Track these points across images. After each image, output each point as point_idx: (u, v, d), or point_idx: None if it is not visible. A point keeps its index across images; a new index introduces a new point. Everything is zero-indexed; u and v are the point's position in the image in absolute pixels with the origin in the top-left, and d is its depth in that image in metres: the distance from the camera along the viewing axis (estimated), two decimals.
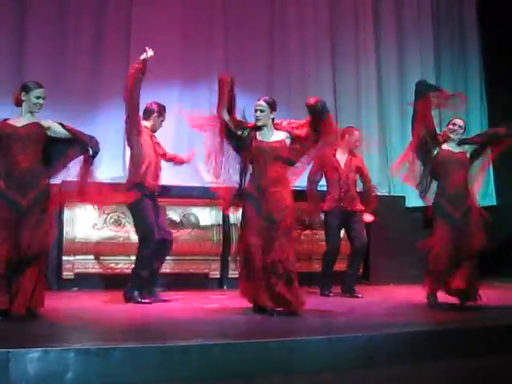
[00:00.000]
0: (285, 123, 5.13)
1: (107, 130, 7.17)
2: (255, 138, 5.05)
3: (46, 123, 4.69)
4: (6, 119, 4.65)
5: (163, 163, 6.50)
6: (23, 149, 4.52)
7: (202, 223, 6.97)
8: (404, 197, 8.25)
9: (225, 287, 6.93)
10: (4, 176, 4.50)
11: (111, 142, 7.01)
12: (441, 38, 9.28)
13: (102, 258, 6.66)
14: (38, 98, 4.64)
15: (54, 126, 4.71)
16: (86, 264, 6.62)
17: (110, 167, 6.93)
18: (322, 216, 6.70)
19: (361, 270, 7.61)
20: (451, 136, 5.61)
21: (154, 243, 5.59)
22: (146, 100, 7.46)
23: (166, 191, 6.90)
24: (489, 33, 9.11)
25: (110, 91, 7.41)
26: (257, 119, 5.06)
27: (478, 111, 9.21)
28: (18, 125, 4.59)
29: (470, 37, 9.36)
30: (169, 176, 7.31)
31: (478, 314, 5.14)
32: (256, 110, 5.05)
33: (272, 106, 5.09)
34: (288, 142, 5.04)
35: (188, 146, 7.69)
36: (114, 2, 7.64)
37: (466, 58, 9.36)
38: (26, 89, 4.67)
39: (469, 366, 3.93)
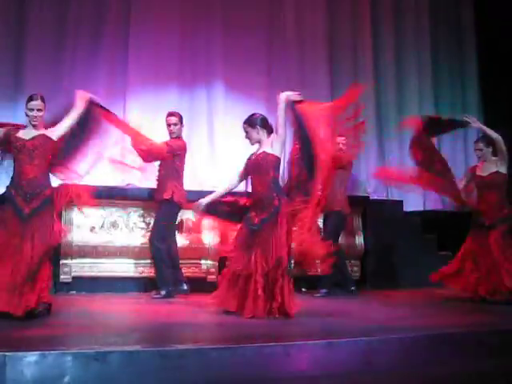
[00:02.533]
0: None
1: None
2: None
3: (51, 132, 4.85)
4: (17, 127, 4.87)
5: None
6: (30, 160, 4.74)
7: (199, 227, 6.94)
8: (402, 201, 8.26)
9: None
10: (14, 184, 4.76)
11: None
12: (439, 41, 9.30)
13: (99, 261, 6.65)
14: (31, 110, 4.79)
15: (58, 128, 4.89)
16: (84, 267, 6.60)
17: (109, 172, 6.92)
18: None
19: (358, 274, 7.62)
20: None
21: None
22: (146, 105, 7.52)
23: None
24: (486, 47, 9.11)
25: (108, 94, 7.40)
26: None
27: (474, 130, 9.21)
28: (27, 137, 4.78)
29: (468, 44, 9.38)
30: None
31: (477, 318, 5.14)
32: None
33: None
34: None
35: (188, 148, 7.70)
36: (113, 5, 7.63)
37: (463, 69, 9.36)
38: (27, 101, 4.86)
39: (468, 371, 3.93)
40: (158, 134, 7.49)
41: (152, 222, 6.84)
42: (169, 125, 6.37)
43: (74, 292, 6.52)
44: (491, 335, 4.40)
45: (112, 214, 6.71)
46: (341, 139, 6.67)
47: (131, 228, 6.78)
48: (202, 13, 7.91)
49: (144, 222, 6.84)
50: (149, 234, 6.82)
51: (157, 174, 6.34)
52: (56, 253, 6.48)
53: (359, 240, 7.60)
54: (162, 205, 6.28)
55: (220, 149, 7.72)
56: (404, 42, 9.02)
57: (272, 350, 3.73)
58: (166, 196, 6.22)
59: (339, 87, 8.59)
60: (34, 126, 4.81)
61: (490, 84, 8.99)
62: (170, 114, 6.45)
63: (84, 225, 6.61)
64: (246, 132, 5.19)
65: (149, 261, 6.76)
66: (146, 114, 7.47)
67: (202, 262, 6.93)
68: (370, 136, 8.59)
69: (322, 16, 8.56)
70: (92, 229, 6.64)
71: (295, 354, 3.74)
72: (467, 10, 9.39)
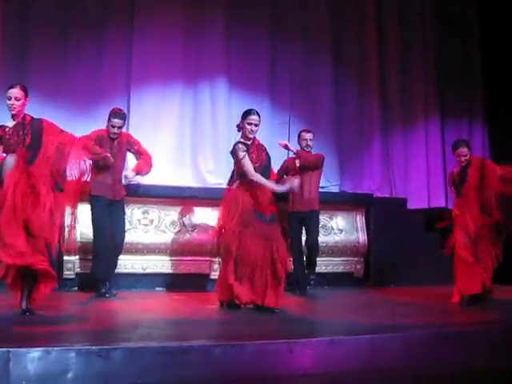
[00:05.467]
0: None
1: None
2: None
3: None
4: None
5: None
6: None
7: (203, 223, 6.95)
8: (406, 199, 8.25)
9: None
10: None
11: None
12: (444, 38, 9.26)
13: None
14: (9, 98, 4.65)
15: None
16: (87, 264, 6.60)
17: None
18: None
19: (361, 272, 7.63)
20: None
21: None
22: (149, 101, 7.53)
23: (168, 191, 6.93)
24: (491, 44, 9.06)
25: (112, 89, 7.41)
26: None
27: (479, 130, 9.19)
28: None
29: (473, 41, 9.34)
30: (170, 176, 7.34)
31: (481, 315, 5.13)
32: (256, 125, 5.28)
33: None
34: None
35: (190, 145, 7.70)
36: (117, 2, 7.62)
37: (468, 67, 9.31)
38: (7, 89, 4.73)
39: (472, 369, 3.93)
40: (162, 130, 7.53)
41: (156, 219, 6.86)
42: (113, 127, 6.03)
43: (77, 288, 6.52)
44: (495, 333, 4.40)
45: None
46: (308, 135, 6.67)
47: (134, 225, 6.78)
48: (206, 8, 7.88)
49: (147, 218, 6.84)
50: (152, 230, 6.84)
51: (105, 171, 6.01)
52: (59, 249, 6.50)
53: (363, 237, 7.59)
54: (121, 202, 6.14)
55: (223, 145, 7.70)
56: (409, 42, 8.98)
57: (275, 347, 3.74)
58: (125, 192, 6.20)
59: (343, 84, 8.59)
60: (13, 116, 4.66)
61: (494, 82, 8.96)
62: (119, 115, 6.09)
63: (87, 221, 6.59)
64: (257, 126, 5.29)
65: (152, 257, 6.77)
66: (150, 110, 7.47)
67: (206, 258, 6.92)
68: (374, 132, 8.59)
69: (326, 12, 8.52)
70: None
71: (298, 352, 3.75)
72: (472, 10, 9.34)
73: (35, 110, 4.93)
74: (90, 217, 6.12)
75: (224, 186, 7.36)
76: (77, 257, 6.56)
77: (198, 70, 7.82)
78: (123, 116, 6.15)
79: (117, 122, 6.03)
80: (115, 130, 6.04)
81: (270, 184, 5.28)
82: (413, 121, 8.89)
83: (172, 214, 6.93)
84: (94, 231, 6.10)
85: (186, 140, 7.71)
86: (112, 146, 6.06)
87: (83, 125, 7.09)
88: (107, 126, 6.06)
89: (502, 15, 8.71)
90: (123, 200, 6.21)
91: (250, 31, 8.14)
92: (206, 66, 7.80)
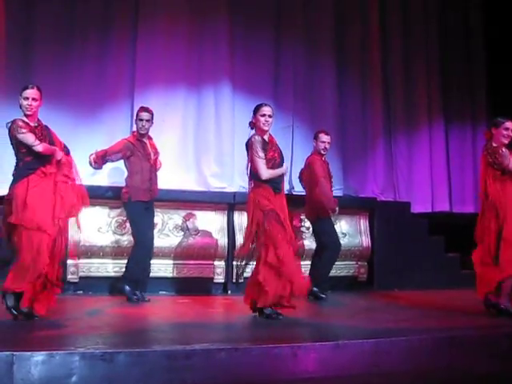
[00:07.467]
0: None
1: (112, 131, 7.16)
2: None
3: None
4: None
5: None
6: None
7: (206, 227, 6.96)
8: (409, 203, 8.23)
9: (229, 292, 6.91)
10: None
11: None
12: (447, 43, 9.26)
13: (106, 261, 6.65)
14: (26, 98, 4.62)
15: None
16: (91, 267, 6.61)
17: (113, 171, 6.92)
18: None
19: (365, 275, 7.62)
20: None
21: None
22: (153, 104, 7.55)
23: (171, 195, 6.93)
24: (494, 48, 9.05)
25: (116, 93, 7.42)
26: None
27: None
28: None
29: (476, 45, 9.33)
30: (174, 180, 7.33)
31: (485, 320, 5.11)
32: (270, 116, 5.11)
33: None
34: None
35: (193, 149, 7.71)
36: (122, 5, 7.64)
37: (472, 70, 9.29)
38: (21, 90, 4.67)
39: (475, 373, 3.91)
40: (166, 134, 7.53)
41: (159, 223, 6.86)
42: (141, 120, 6.15)
43: (81, 292, 6.53)
44: (499, 337, 4.39)
45: (119, 214, 6.68)
46: (327, 138, 6.66)
47: None
48: (210, 12, 7.89)
49: None
50: (155, 234, 6.84)
51: (142, 174, 6.13)
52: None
53: (366, 241, 7.58)
54: (153, 202, 6.25)
55: (227, 149, 7.70)
56: (412, 44, 8.97)
57: (279, 351, 3.73)
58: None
59: (347, 88, 8.59)
60: (28, 116, 4.62)
61: (498, 84, 8.96)
62: (145, 110, 6.22)
63: (91, 225, 6.60)
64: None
65: (155, 261, 6.76)
66: (154, 113, 7.47)
67: (210, 262, 6.93)
68: (378, 136, 8.59)
69: (330, 16, 8.52)
70: (99, 229, 6.64)
71: (302, 356, 3.74)
72: (475, 12, 9.34)
73: (39, 112, 4.92)
74: (130, 222, 6.22)
75: (227, 189, 7.45)
76: (81, 260, 6.57)
77: (201, 74, 7.82)
78: (150, 110, 6.22)
79: (145, 115, 6.12)
80: (143, 122, 6.12)
81: (279, 171, 5.08)
82: (416, 124, 8.88)
83: (175, 217, 6.92)
84: (136, 236, 6.12)
85: (189, 144, 7.71)
86: (144, 148, 6.15)
87: (87, 128, 7.13)
88: (136, 124, 6.20)
89: (505, 17, 8.72)
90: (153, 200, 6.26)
91: (253, 35, 8.14)
92: (209, 70, 7.80)
